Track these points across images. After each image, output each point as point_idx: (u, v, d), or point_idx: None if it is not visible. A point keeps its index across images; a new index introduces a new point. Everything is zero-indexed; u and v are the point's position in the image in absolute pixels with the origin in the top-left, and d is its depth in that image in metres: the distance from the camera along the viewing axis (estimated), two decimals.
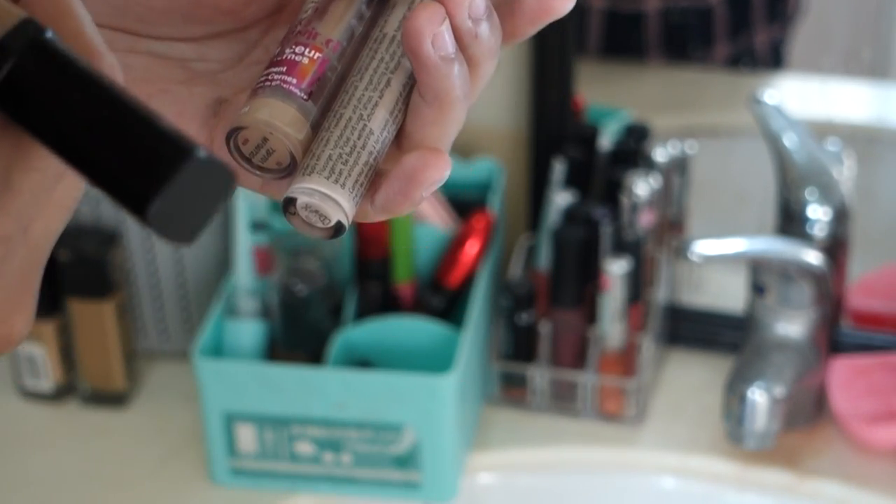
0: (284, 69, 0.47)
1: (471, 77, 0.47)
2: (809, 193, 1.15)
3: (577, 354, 1.20)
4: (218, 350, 1.17)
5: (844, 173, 1.16)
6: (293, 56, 0.48)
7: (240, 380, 1.12)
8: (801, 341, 1.14)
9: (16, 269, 0.41)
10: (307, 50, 0.48)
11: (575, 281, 1.17)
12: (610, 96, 1.36)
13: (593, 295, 1.18)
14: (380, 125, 0.47)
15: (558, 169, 1.22)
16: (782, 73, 1.41)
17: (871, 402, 1.17)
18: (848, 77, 1.37)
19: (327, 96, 0.48)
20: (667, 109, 1.37)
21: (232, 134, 0.47)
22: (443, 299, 1.20)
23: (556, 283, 1.18)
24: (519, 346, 1.20)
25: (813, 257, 1.11)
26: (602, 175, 1.24)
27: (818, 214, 1.15)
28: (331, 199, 0.46)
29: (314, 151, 0.47)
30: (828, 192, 1.15)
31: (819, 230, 1.15)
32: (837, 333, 1.19)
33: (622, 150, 1.25)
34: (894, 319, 1.24)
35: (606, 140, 1.26)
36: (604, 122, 1.29)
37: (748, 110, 1.14)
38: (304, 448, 1.14)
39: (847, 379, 1.17)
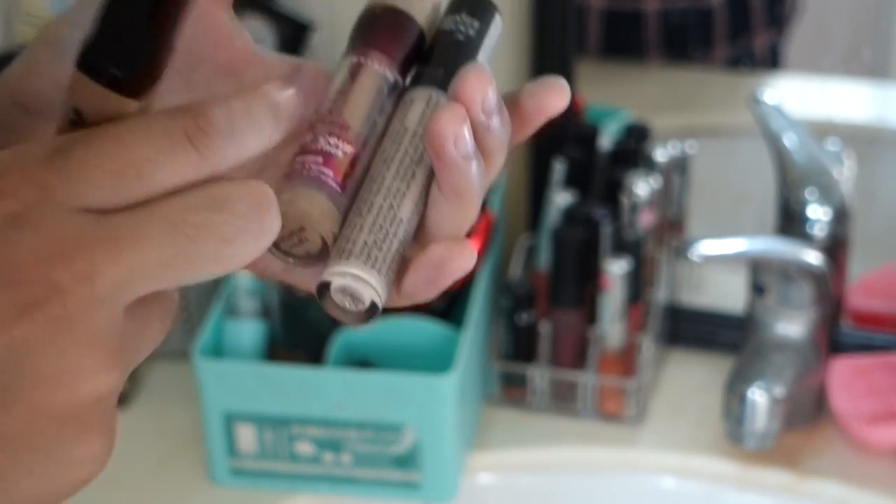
0: (321, 160, 0.50)
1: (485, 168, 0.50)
2: (809, 193, 1.15)
3: (577, 354, 1.20)
4: (218, 350, 1.17)
5: (844, 173, 1.16)
6: (329, 148, 0.50)
7: (240, 380, 1.12)
8: (801, 341, 1.14)
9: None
10: (342, 143, 0.50)
11: (575, 281, 1.17)
12: (610, 96, 1.36)
13: (593, 295, 1.18)
14: (407, 214, 0.50)
15: (558, 169, 1.22)
16: (782, 74, 1.41)
17: (871, 402, 1.17)
18: (848, 77, 1.37)
19: (355, 186, 0.50)
20: (667, 109, 1.37)
21: None
22: (443, 299, 1.20)
23: (556, 283, 1.18)
24: (519, 346, 1.20)
25: (813, 257, 1.11)
26: (602, 175, 1.24)
27: (818, 214, 1.15)
28: (367, 283, 0.48)
29: (348, 237, 0.49)
30: (828, 192, 1.15)
31: (819, 230, 1.15)
32: (837, 333, 1.19)
33: (622, 150, 1.25)
34: (894, 319, 1.24)
35: (606, 140, 1.26)
36: (604, 122, 1.29)
37: (748, 110, 1.14)
38: (304, 448, 1.14)
39: (847, 379, 1.17)
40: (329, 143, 0.50)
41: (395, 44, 0.53)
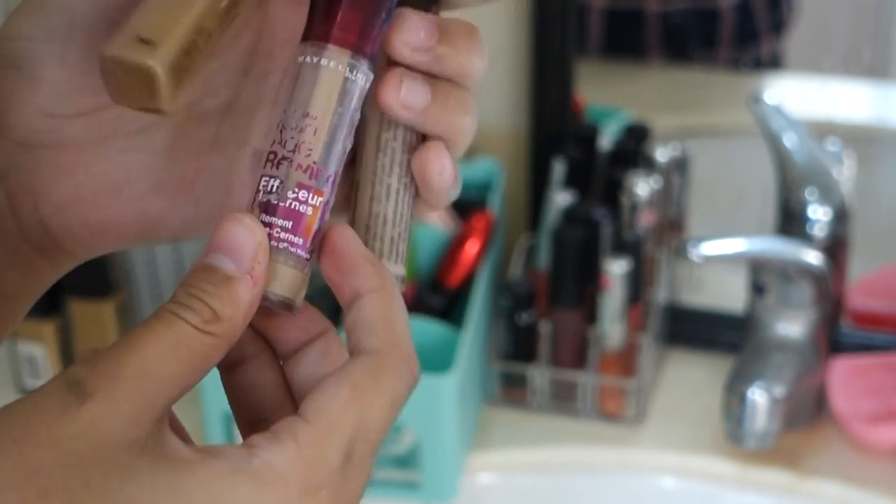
0: (290, 225, 0.45)
1: (456, 103, 0.48)
2: (809, 193, 1.15)
3: (577, 354, 1.20)
4: None
5: (844, 173, 1.16)
6: (298, 206, 0.45)
7: None
8: (801, 341, 1.14)
9: None
10: (311, 195, 0.45)
11: (575, 281, 1.17)
12: (610, 96, 1.36)
13: (593, 295, 1.18)
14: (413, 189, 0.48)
15: (558, 169, 1.22)
16: (782, 73, 1.41)
17: (871, 402, 1.17)
18: (848, 77, 1.37)
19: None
20: (667, 109, 1.37)
21: None
22: (443, 299, 1.20)
23: (556, 283, 1.18)
24: (519, 346, 1.20)
25: (813, 257, 1.11)
26: (602, 175, 1.24)
27: (818, 214, 1.15)
28: (398, 278, 0.48)
29: (374, 231, 0.48)
30: (828, 192, 1.15)
31: (819, 230, 1.15)
32: (837, 333, 1.19)
33: (622, 150, 1.25)
34: (894, 319, 1.24)
35: (606, 140, 1.26)
36: (604, 122, 1.29)
37: (748, 110, 1.14)
38: None
39: (847, 379, 1.17)
40: (298, 200, 0.45)
41: (358, 20, 0.44)
